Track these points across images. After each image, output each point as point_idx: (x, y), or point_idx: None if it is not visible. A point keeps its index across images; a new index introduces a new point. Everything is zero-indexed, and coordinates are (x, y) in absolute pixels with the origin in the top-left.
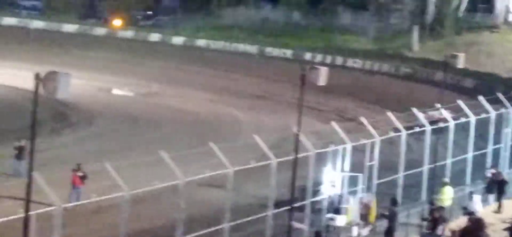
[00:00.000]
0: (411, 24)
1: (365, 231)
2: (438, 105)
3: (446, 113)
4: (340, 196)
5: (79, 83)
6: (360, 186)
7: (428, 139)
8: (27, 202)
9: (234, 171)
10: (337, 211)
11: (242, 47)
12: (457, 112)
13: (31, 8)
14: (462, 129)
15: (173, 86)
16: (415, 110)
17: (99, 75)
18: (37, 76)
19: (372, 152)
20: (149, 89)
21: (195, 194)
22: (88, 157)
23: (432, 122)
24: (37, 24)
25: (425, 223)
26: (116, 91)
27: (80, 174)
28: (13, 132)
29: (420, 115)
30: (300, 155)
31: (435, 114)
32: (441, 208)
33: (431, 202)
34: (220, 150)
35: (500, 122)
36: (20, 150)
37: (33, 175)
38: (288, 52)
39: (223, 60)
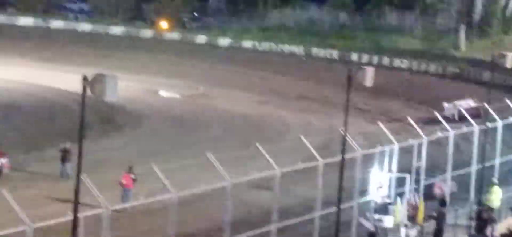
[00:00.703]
0: (458, 23)
1: (413, 232)
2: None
3: (470, 103)
4: (388, 197)
5: (126, 86)
6: (408, 187)
7: (476, 139)
8: (76, 204)
9: (281, 172)
10: (385, 212)
11: (288, 48)
12: (503, 112)
13: (78, 11)
14: (511, 129)
15: (219, 88)
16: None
17: (146, 77)
18: (85, 79)
19: (419, 152)
20: (196, 91)
21: (243, 195)
22: (136, 159)
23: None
24: (85, 27)
25: (473, 224)
26: (163, 93)
27: (131, 176)
28: (61, 135)
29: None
30: (347, 156)
31: (462, 103)
32: (490, 209)
33: (479, 203)
34: (267, 151)
35: None
36: (65, 152)
37: (81, 177)
38: (335, 53)
39: (269, 62)
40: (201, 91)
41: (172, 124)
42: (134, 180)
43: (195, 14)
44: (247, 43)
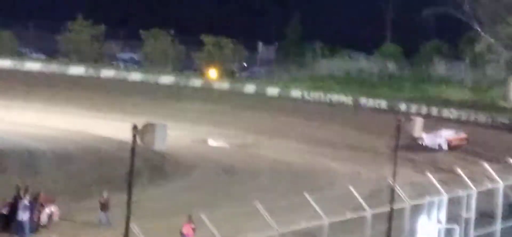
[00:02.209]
0: (507, 74)
1: None
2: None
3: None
4: None
5: (175, 135)
6: None
7: None
8: None
9: (329, 222)
10: None
11: (336, 98)
12: None
13: (129, 61)
14: None
15: (268, 137)
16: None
17: (194, 127)
18: (134, 128)
19: (468, 203)
20: (244, 140)
21: None
22: (185, 208)
23: None
24: (135, 76)
25: None
26: (211, 143)
27: (191, 225)
28: (111, 183)
29: None
30: (395, 207)
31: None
32: None
33: None
34: (315, 201)
35: None
36: (103, 202)
37: (131, 225)
38: (383, 103)
39: (318, 111)
40: (250, 141)
41: (220, 173)
42: (194, 230)
43: (244, 64)
44: (296, 93)
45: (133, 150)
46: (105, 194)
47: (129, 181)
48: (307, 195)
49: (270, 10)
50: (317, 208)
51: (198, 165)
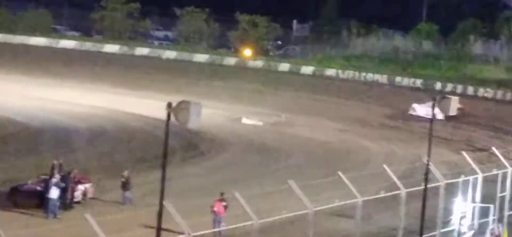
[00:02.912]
0: None
1: None
2: None
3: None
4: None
5: (209, 113)
6: (491, 217)
7: None
8: (158, 230)
9: (363, 200)
10: None
11: (371, 76)
12: None
13: (163, 39)
14: None
15: (302, 116)
16: None
17: (229, 105)
18: (169, 106)
19: (503, 182)
20: (278, 118)
21: (324, 223)
22: (218, 186)
23: None
24: (169, 54)
25: None
26: (245, 121)
27: (223, 203)
28: (145, 161)
29: None
30: (430, 185)
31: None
32: None
33: None
34: (349, 180)
35: None
36: (125, 180)
37: (164, 203)
38: (418, 82)
39: (352, 90)
40: (284, 119)
41: (254, 151)
42: (225, 207)
43: (279, 42)
44: (330, 71)
45: (167, 128)
46: (125, 173)
47: (164, 159)
48: (341, 174)
49: None
50: (351, 187)
51: (232, 143)
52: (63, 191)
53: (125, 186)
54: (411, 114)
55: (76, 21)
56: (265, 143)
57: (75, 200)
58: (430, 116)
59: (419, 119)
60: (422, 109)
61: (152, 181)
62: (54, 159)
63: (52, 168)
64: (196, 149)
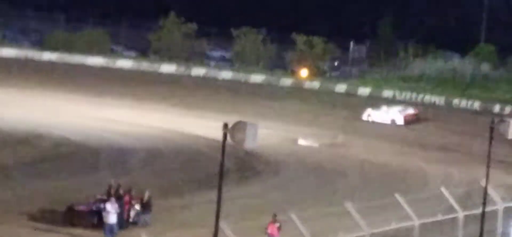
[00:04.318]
0: None
1: None
2: None
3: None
4: None
5: (265, 133)
6: None
7: None
8: None
9: (420, 223)
10: None
11: (429, 98)
12: None
13: (219, 59)
14: None
15: (358, 137)
16: None
17: (285, 126)
18: (225, 126)
19: None
20: (334, 139)
21: None
22: (274, 206)
23: None
24: (225, 74)
25: None
26: (301, 142)
27: (276, 225)
28: (200, 181)
29: None
30: (488, 209)
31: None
32: None
33: None
34: (406, 202)
35: None
36: (145, 203)
37: (220, 224)
38: (476, 104)
39: None
40: (340, 140)
41: (310, 172)
42: (279, 228)
43: (336, 63)
44: (387, 93)
45: (223, 148)
46: (146, 194)
47: (220, 179)
48: (397, 196)
49: (362, 9)
50: (407, 209)
51: (287, 164)
52: (120, 212)
53: (145, 207)
54: (367, 121)
55: (133, 41)
56: (321, 164)
57: (130, 220)
58: (386, 122)
59: (374, 124)
60: (377, 115)
61: (207, 201)
62: (111, 178)
63: (109, 189)
64: (251, 170)
